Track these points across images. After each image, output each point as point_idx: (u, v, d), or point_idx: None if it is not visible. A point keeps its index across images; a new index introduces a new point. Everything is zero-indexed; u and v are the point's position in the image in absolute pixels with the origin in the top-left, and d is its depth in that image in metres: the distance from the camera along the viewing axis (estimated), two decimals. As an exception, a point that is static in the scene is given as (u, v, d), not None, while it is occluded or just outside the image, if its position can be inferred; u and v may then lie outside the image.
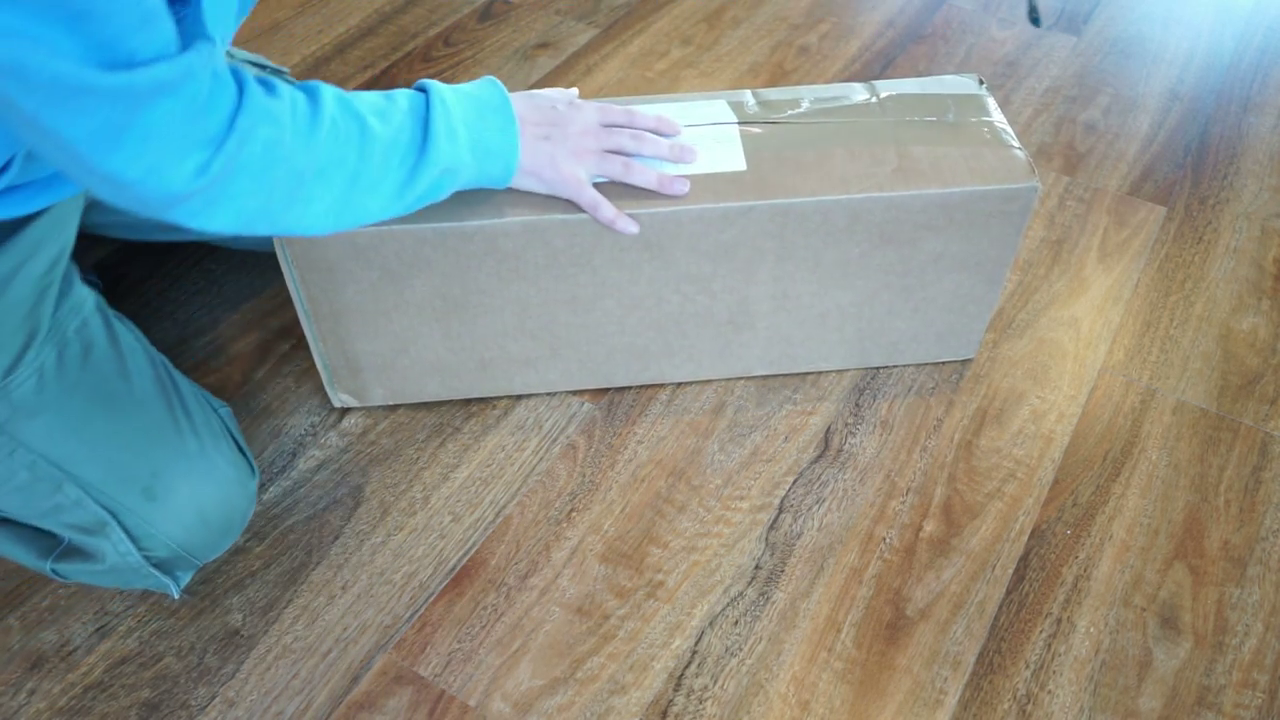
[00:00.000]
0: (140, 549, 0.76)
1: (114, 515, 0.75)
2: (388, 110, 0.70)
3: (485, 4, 1.51)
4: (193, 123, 0.56)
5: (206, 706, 0.78)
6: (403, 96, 0.72)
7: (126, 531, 0.75)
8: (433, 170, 0.72)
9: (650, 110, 0.87)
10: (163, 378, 0.80)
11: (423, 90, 0.74)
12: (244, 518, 0.82)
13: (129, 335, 0.81)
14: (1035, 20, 0.85)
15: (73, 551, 0.78)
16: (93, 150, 0.53)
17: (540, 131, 0.79)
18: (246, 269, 1.10)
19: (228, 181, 0.59)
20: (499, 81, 0.78)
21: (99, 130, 0.52)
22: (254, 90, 0.60)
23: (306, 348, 1.02)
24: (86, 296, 0.79)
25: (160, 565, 0.78)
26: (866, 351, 0.98)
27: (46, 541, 0.79)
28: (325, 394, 0.98)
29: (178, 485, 0.76)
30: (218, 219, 0.61)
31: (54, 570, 0.79)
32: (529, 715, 0.77)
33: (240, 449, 0.83)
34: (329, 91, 0.67)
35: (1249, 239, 1.15)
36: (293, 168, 0.63)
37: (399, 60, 1.39)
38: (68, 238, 0.77)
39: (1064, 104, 1.33)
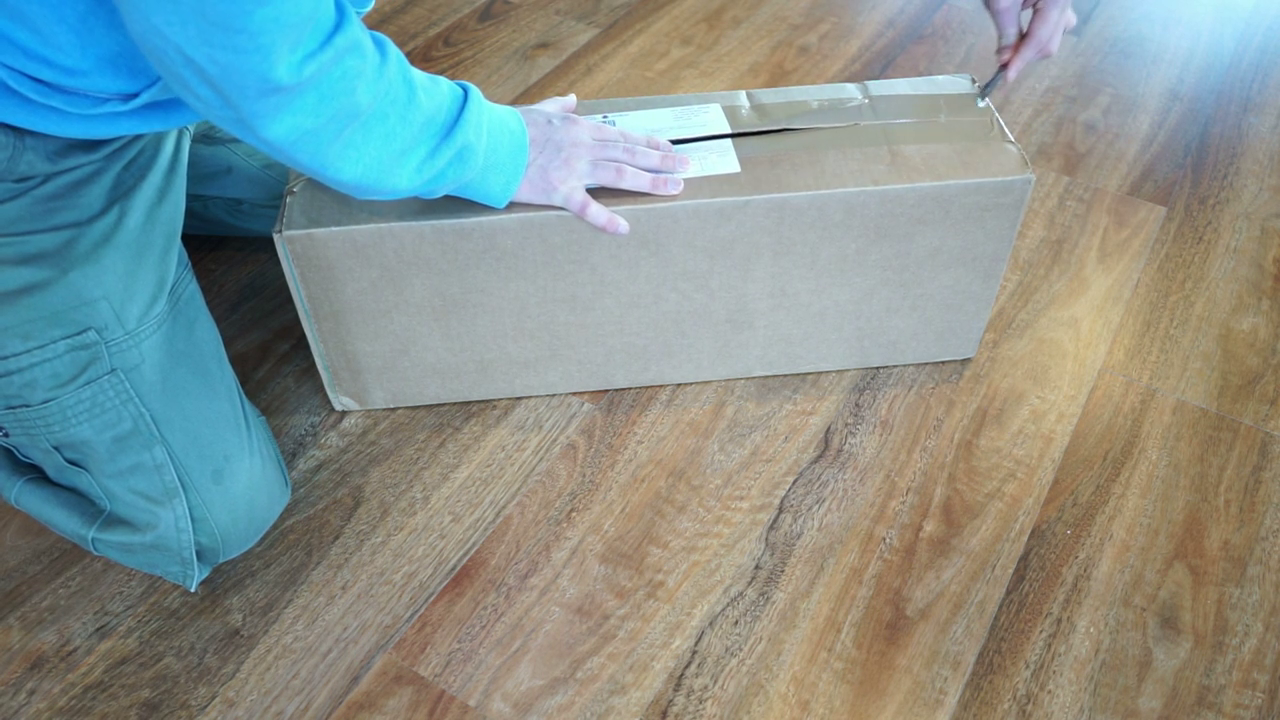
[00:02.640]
0: (192, 530, 0.79)
1: (184, 489, 0.78)
2: (432, 89, 0.73)
3: (485, 4, 1.51)
4: (308, 21, 0.60)
5: (206, 706, 0.78)
6: (446, 83, 0.76)
7: (189, 508, 0.78)
8: (451, 150, 0.74)
9: (643, 125, 0.88)
10: (234, 375, 0.85)
11: (463, 88, 0.77)
12: (268, 525, 0.85)
13: (214, 327, 0.85)
14: (983, 94, 0.89)
15: (116, 522, 0.79)
16: (233, 14, 0.56)
17: (534, 147, 0.81)
18: (246, 268, 1.10)
19: (305, 90, 0.62)
20: (520, 114, 0.81)
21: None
22: (352, 18, 0.64)
23: (306, 348, 1.02)
24: (191, 277, 0.83)
25: (197, 551, 0.80)
26: (866, 351, 0.98)
27: (91, 509, 0.80)
28: (325, 394, 0.98)
29: (240, 475, 0.80)
30: (276, 127, 0.64)
31: (94, 540, 0.80)
32: (529, 715, 0.77)
33: (278, 460, 0.87)
34: (394, 49, 0.70)
35: (1249, 239, 1.15)
36: (354, 104, 0.66)
37: (399, 60, 1.39)
38: (183, 198, 0.84)
39: (1064, 104, 1.33)
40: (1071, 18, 0.90)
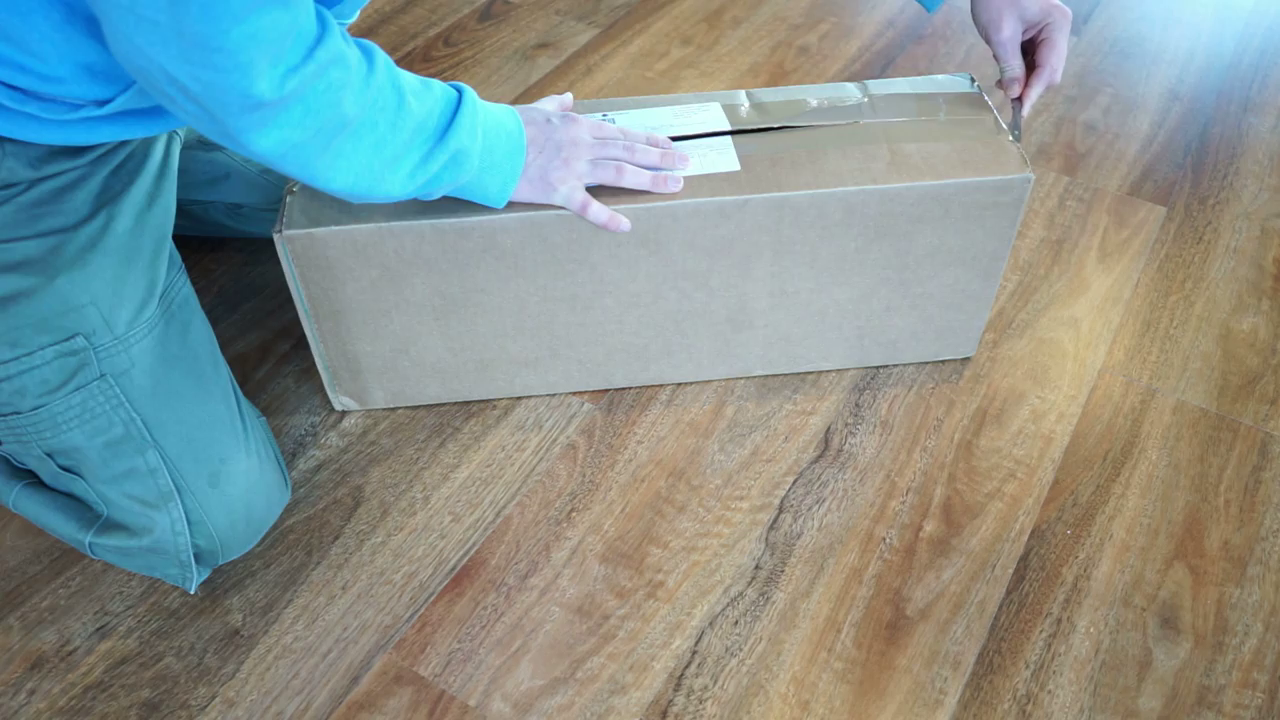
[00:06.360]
0: (189, 533, 0.79)
1: (179, 492, 0.78)
2: (423, 93, 0.73)
3: (485, 4, 1.51)
4: (287, 36, 0.60)
5: (206, 706, 0.78)
6: (438, 86, 0.75)
7: (185, 512, 0.78)
8: (445, 154, 0.74)
9: (643, 124, 0.88)
10: (230, 376, 0.85)
11: (457, 90, 0.77)
12: (268, 526, 0.85)
13: (210, 329, 0.85)
14: (1015, 136, 0.89)
15: (112, 526, 0.79)
16: (210, 32, 0.56)
17: (533, 146, 0.81)
18: (246, 268, 1.10)
19: (290, 104, 0.63)
20: (517, 114, 0.81)
21: (219, 16, 0.56)
22: (334, 29, 0.64)
23: (306, 348, 1.02)
24: (184, 280, 0.83)
25: (195, 554, 0.80)
26: (866, 350, 0.98)
27: (87, 514, 0.80)
28: (325, 394, 0.98)
29: (237, 478, 0.80)
30: (263, 141, 0.64)
31: (91, 544, 0.80)
32: (529, 715, 0.77)
33: (278, 460, 0.87)
34: (381, 56, 0.70)
35: (1249, 239, 1.15)
36: (341, 115, 0.66)
37: (399, 60, 1.39)
38: (173, 202, 0.83)
39: (1064, 104, 1.33)
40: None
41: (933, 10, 0.95)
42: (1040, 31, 0.89)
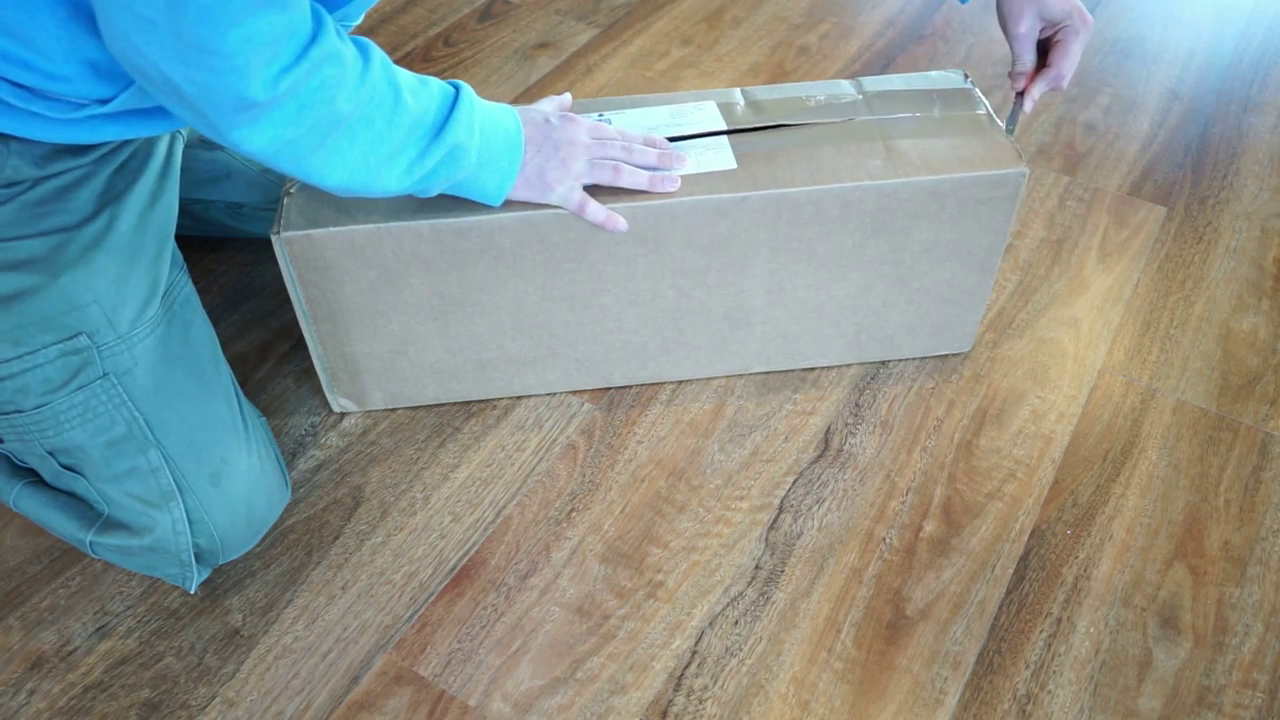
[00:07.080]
0: (189, 532, 0.79)
1: (180, 492, 0.78)
2: (420, 90, 0.73)
3: (485, 4, 1.51)
4: (282, 37, 0.60)
5: (206, 706, 0.78)
6: (436, 83, 0.76)
7: (186, 511, 0.78)
8: (442, 150, 0.74)
9: (639, 123, 0.88)
10: (232, 376, 0.85)
11: (455, 87, 0.77)
12: (268, 525, 0.85)
13: (211, 329, 0.85)
14: (1009, 129, 0.88)
15: (113, 525, 0.79)
16: (206, 35, 0.56)
17: (531, 145, 0.81)
18: (246, 268, 1.10)
19: (283, 102, 0.63)
20: (515, 113, 0.81)
21: (216, 19, 0.56)
22: (329, 27, 0.64)
23: (306, 348, 1.02)
24: (186, 280, 0.83)
25: (196, 554, 0.80)
26: (864, 346, 0.98)
27: (89, 513, 0.80)
28: (325, 395, 0.98)
29: (238, 477, 0.80)
30: (256, 139, 0.64)
31: (93, 543, 0.80)
32: (529, 715, 0.77)
33: (278, 460, 0.87)
34: (378, 53, 0.70)
35: (1249, 239, 1.15)
36: (335, 111, 0.66)
37: (399, 60, 1.39)
38: (175, 202, 0.83)
39: (1064, 104, 1.33)
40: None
41: (966, 0, 0.94)
42: (1057, 33, 0.89)
